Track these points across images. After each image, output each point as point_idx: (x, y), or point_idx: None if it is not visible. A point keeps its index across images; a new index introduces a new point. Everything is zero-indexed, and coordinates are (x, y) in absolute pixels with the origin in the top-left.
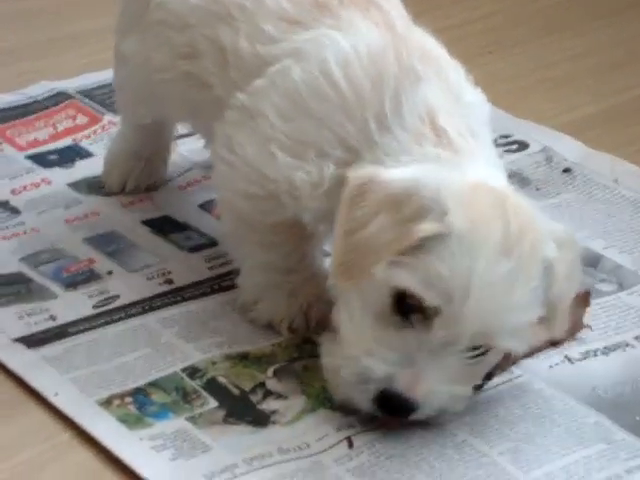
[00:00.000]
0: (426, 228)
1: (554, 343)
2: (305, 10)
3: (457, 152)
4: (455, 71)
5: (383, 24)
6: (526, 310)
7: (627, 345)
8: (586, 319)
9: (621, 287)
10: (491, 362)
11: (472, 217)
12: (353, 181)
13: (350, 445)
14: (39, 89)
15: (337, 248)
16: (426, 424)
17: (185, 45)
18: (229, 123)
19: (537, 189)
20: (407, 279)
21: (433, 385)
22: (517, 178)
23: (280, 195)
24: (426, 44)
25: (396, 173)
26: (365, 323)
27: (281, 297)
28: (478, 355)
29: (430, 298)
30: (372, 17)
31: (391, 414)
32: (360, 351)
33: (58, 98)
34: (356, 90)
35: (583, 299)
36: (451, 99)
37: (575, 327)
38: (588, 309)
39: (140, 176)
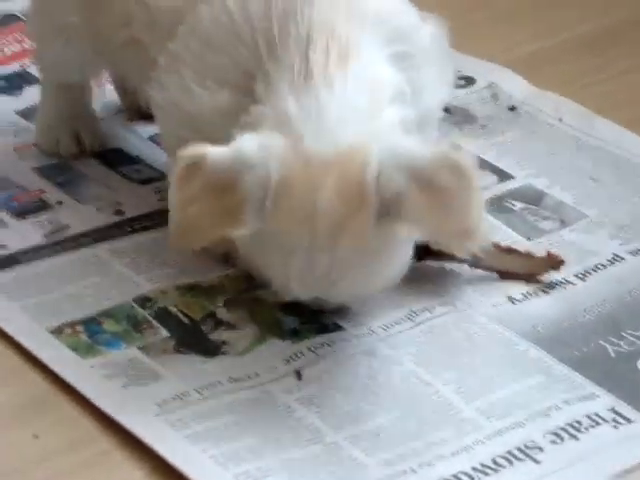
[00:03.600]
0: (234, 232)
1: (531, 275)
2: None
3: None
4: None
5: None
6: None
7: (567, 282)
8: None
9: (563, 224)
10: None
11: (283, 214)
12: (181, 161)
13: (299, 377)
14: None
15: (171, 216)
16: (372, 354)
17: (120, 13)
18: (160, 69)
19: (482, 126)
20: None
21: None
22: (463, 114)
23: (203, 129)
24: None
25: (221, 153)
26: None
27: None
28: None
29: None
30: None
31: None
32: None
33: (6, 20)
34: (246, 14)
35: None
36: (341, 17)
37: (550, 260)
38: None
39: (73, 139)
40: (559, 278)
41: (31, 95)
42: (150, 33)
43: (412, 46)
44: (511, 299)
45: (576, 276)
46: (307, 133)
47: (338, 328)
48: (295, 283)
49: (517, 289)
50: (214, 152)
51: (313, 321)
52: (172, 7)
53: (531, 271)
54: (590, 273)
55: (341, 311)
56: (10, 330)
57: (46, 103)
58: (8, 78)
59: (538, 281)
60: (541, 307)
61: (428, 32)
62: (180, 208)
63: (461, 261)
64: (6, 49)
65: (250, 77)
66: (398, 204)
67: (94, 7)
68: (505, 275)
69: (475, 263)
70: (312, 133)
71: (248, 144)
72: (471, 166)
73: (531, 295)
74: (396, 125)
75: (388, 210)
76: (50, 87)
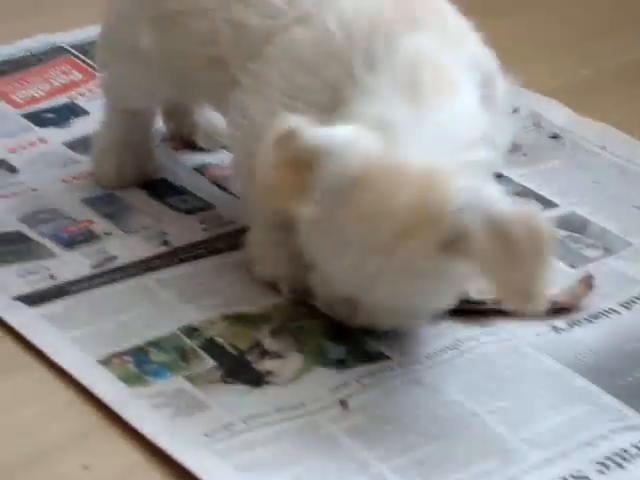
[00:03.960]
0: (305, 213)
1: (561, 309)
2: None
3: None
4: (458, 24)
5: None
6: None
7: (613, 312)
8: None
9: (607, 252)
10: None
11: (355, 209)
12: (274, 131)
13: (344, 407)
14: (34, 42)
15: (256, 178)
16: (417, 383)
17: (207, 31)
18: (243, 90)
19: (525, 155)
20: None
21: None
22: None
23: None
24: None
25: (315, 133)
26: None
27: (285, 256)
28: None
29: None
30: None
31: None
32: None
33: (54, 53)
34: (347, 34)
35: (586, 282)
36: (445, 50)
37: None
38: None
39: (133, 168)
40: (604, 307)
41: (79, 127)
42: (234, 52)
43: (495, 91)
44: (555, 328)
45: (621, 305)
46: (404, 141)
47: (384, 357)
48: (341, 277)
49: (561, 318)
50: (310, 130)
51: (359, 350)
52: (262, 27)
53: (572, 301)
54: (635, 302)
55: (388, 336)
56: (61, 362)
57: (108, 131)
58: (57, 110)
59: (580, 309)
60: (586, 336)
61: (502, 79)
62: (266, 170)
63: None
64: (54, 81)
65: (339, 93)
66: (466, 242)
67: (169, 27)
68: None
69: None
70: (409, 143)
71: (342, 133)
72: (549, 233)
73: (575, 324)
74: (484, 165)
75: (455, 245)
76: (115, 115)
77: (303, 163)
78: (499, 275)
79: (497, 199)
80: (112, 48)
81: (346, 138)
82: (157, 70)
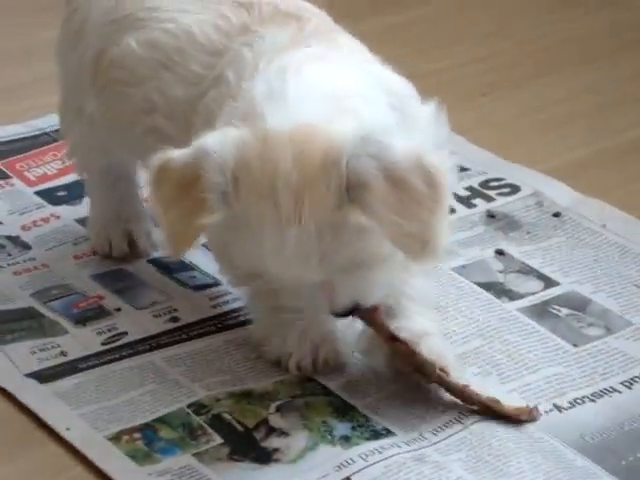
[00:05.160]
0: (204, 221)
1: (505, 416)
2: (229, 36)
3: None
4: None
5: (296, 28)
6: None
7: (614, 391)
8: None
9: (609, 331)
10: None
11: (246, 195)
12: (152, 166)
13: None
14: (47, 122)
15: (161, 227)
16: (422, 460)
17: (143, 100)
18: None
19: (528, 233)
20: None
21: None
22: (508, 221)
23: None
24: (338, 38)
25: (184, 153)
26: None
27: (291, 335)
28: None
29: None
30: (288, 26)
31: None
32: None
33: None
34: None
35: (530, 413)
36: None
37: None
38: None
39: (123, 236)
40: (605, 386)
41: (89, 204)
42: (171, 126)
43: (402, 105)
44: (558, 407)
45: (622, 384)
46: (267, 112)
47: (389, 433)
48: (270, 261)
49: (564, 397)
50: (178, 153)
51: (364, 427)
52: (187, 96)
53: (516, 413)
54: (636, 381)
55: (392, 413)
56: (71, 439)
57: (94, 205)
58: (68, 187)
59: (519, 421)
60: (589, 415)
61: (428, 108)
62: (162, 214)
63: (430, 380)
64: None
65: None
66: (363, 191)
67: (111, 95)
68: (487, 411)
69: (446, 386)
70: (272, 112)
71: (206, 139)
72: (445, 177)
73: (578, 403)
74: (365, 115)
75: (354, 195)
76: (94, 186)
77: (187, 184)
78: (398, 223)
79: (389, 145)
80: (67, 113)
81: (210, 140)
82: (103, 132)
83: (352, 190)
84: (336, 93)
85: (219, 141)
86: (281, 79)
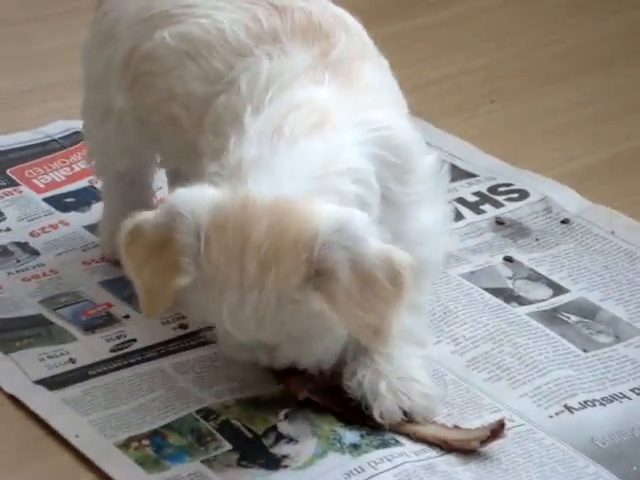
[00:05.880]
0: (178, 283)
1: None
2: (256, 40)
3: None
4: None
5: (320, 52)
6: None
7: (624, 397)
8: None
9: (618, 339)
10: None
11: (216, 258)
12: (123, 229)
13: None
14: (56, 128)
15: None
16: (431, 469)
17: (166, 89)
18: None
19: (536, 239)
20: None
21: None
22: (516, 227)
23: None
24: (358, 69)
25: (155, 214)
26: None
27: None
28: None
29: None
30: (313, 47)
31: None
32: None
33: (74, 138)
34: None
35: (495, 429)
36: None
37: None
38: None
39: None
40: (615, 391)
41: (99, 210)
42: (186, 116)
43: (399, 159)
44: (569, 408)
45: (632, 391)
46: (251, 180)
47: (398, 443)
48: (228, 321)
49: (575, 398)
50: (149, 214)
51: (373, 435)
52: (205, 95)
53: (463, 442)
54: None
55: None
56: (80, 446)
57: (107, 202)
58: (77, 194)
59: (475, 450)
60: (599, 419)
61: (428, 160)
62: (136, 276)
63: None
64: (75, 166)
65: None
66: (329, 281)
67: (139, 87)
68: (447, 445)
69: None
70: (256, 181)
71: (179, 199)
72: (409, 279)
73: (589, 405)
74: (349, 195)
75: (319, 282)
76: (111, 185)
77: (160, 245)
78: (355, 312)
79: (364, 239)
80: (90, 115)
81: (183, 201)
82: (130, 127)
83: (319, 277)
84: (325, 172)
85: (194, 201)
86: (273, 149)
